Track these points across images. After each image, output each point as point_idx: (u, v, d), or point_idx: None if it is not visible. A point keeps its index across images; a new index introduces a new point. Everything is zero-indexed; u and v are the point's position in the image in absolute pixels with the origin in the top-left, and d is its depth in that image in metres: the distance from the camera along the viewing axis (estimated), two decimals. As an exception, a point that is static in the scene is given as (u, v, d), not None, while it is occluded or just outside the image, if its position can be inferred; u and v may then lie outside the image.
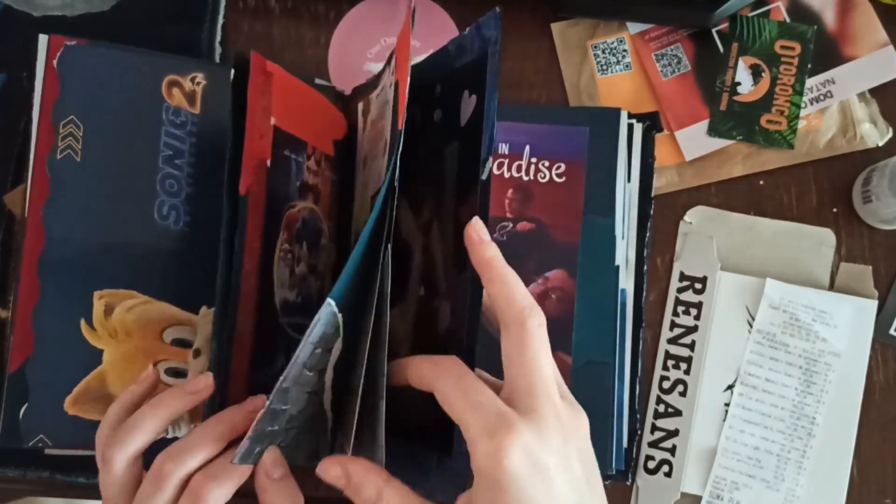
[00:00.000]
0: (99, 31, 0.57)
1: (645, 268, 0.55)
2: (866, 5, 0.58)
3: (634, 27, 0.59)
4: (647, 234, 0.56)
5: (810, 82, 0.58)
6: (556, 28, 0.59)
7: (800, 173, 0.58)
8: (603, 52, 0.58)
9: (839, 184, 0.58)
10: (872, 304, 0.56)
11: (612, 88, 0.58)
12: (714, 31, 0.58)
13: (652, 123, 0.57)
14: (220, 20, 0.58)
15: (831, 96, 0.58)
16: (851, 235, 0.57)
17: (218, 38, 0.58)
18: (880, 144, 0.57)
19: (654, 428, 0.56)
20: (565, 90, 0.58)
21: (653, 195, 0.56)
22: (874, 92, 0.58)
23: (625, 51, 0.59)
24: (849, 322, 0.55)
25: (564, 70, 0.59)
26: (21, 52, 0.54)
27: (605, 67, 0.58)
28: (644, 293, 0.55)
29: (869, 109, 0.58)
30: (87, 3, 0.58)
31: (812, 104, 0.58)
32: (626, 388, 0.55)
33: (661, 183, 0.57)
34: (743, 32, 0.58)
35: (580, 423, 0.35)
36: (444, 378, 0.34)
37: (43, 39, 0.52)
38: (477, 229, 0.36)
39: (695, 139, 0.58)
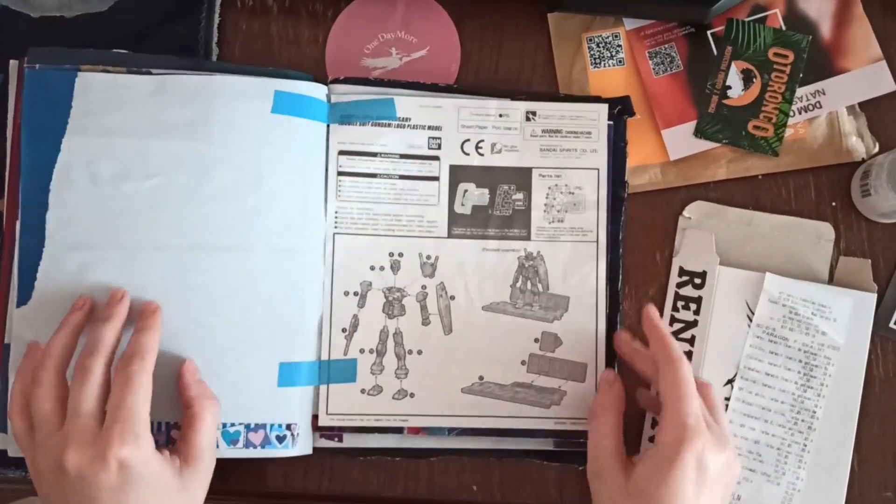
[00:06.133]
0: (96, 32, 0.57)
1: (621, 251, 0.55)
2: (863, 19, 0.58)
3: (630, 23, 0.59)
4: (622, 218, 0.55)
5: (800, 91, 0.58)
6: (553, 18, 0.59)
7: (798, 167, 0.58)
8: (597, 45, 0.58)
9: (837, 178, 0.58)
10: (872, 298, 0.56)
11: (603, 82, 0.58)
12: (709, 33, 0.58)
13: (623, 108, 0.56)
14: (217, 20, 0.58)
15: (820, 107, 0.58)
16: (850, 229, 0.57)
17: (215, 38, 0.58)
18: (866, 159, 0.57)
19: (654, 422, 0.56)
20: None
21: (627, 190, 0.56)
22: (864, 106, 0.58)
23: (619, 46, 0.59)
24: (848, 316, 0.55)
25: (557, 60, 0.59)
26: (19, 54, 0.54)
27: (598, 61, 0.58)
28: (620, 279, 0.55)
29: (857, 123, 0.58)
30: (85, 3, 0.58)
31: (800, 113, 0.58)
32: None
33: (644, 181, 0.57)
34: (738, 36, 0.58)
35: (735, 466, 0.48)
36: (681, 370, 0.47)
37: (13, 64, 0.54)
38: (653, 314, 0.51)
39: (681, 139, 0.58)
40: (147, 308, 0.50)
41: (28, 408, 0.46)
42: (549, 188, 0.56)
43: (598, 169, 0.56)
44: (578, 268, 0.55)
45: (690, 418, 0.45)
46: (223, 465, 0.52)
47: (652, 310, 0.51)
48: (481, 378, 0.54)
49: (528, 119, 0.56)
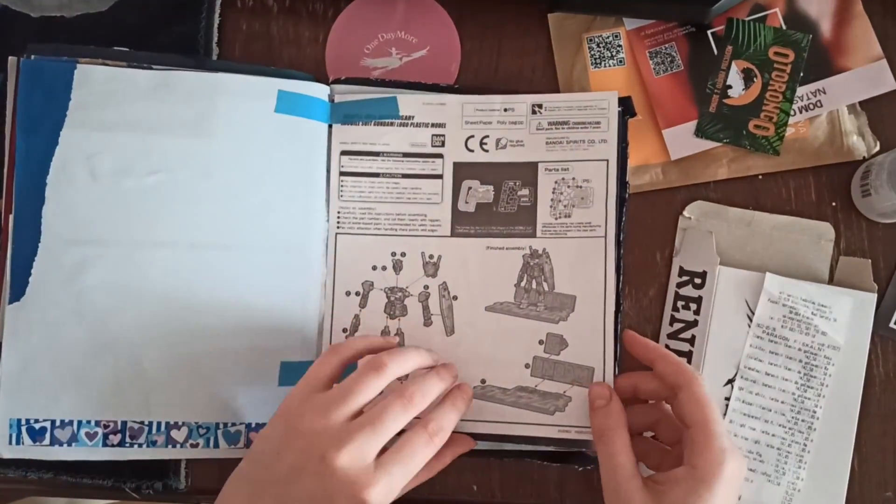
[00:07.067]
0: (96, 32, 0.57)
1: (622, 251, 0.54)
2: (863, 18, 0.58)
3: (631, 23, 0.59)
4: (623, 219, 0.54)
5: (801, 90, 0.58)
6: (553, 18, 0.59)
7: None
8: (598, 45, 0.59)
9: (838, 178, 0.58)
10: (872, 298, 0.56)
11: (604, 82, 0.58)
12: (709, 32, 0.59)
13: (624, 108, 0.55)
14: (217, 20, 0.58)
15: (821, 106, 0.58)
16: (850, 229, 0.57)
17: (215, 38, 0.58)
18: (867, 157, 0.57)
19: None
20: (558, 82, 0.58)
21: (628, 190, 0.55)
22: (864, 105, 0.58)
23: (619, 46, 0.59)
24: (848, 315, 0.55)
25: (558, 61, 0.59)
26: (19, 55, 0.54)
27: (598, 61, 0.58)
28: (621, 277, 0.54)
29: (858, 122, 0.58)
30: (86, 3, 0.58)
31: (801, 112, 0.58)
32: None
33: (645, 180, 0.57)
34: (738, 36, 0.58)
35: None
36: (701, 386, 0.46)
37: (12, 61, 0.53)
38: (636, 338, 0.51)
39: (681, 139, 0.58)
40: (466, 388, 0.51)
41: (341, 368, 0.47)
42: (556, 182, 0.55)
43: (607, 160, 0.54)
44: (585, 265, 0.54)
45: (725, 439, 0.45)
46: (224, 465, 0.52)
47: (634, 333, 0.51)
48: (483, 381, 0.53)
49: (534, 112, 0.56)
